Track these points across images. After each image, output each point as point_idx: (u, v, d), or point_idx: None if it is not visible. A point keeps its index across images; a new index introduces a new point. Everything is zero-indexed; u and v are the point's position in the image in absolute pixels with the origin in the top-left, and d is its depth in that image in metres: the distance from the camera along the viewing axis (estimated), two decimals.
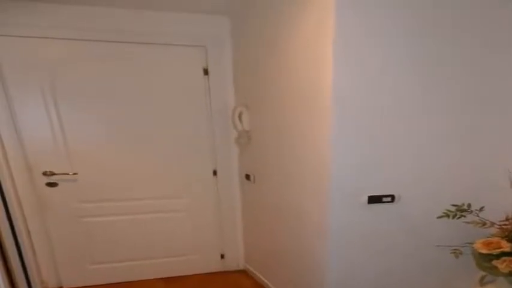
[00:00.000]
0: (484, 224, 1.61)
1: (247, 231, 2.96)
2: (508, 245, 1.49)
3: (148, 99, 2.50)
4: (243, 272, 3.06)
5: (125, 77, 2.43)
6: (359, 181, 1.74)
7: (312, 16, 1.65)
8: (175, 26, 2.41)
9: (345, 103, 1.60)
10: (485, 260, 1.54)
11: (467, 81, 1.65)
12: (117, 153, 2.55)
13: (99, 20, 2.28)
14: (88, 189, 2.56)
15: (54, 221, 2.58)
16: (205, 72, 2.55)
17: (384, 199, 1.77)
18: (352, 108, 1.61)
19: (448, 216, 1.64)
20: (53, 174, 2.44)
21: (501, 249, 1.49)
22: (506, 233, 1.57)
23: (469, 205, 1.63)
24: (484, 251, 1.52)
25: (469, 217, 1.63)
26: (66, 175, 2.47)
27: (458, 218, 1.64)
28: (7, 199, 2.25)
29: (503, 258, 1.48)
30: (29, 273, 2.46)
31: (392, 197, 1.76)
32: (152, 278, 2.91)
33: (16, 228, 2.33)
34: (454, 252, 1.70)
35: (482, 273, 1.63)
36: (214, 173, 2.80)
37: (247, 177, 2.65)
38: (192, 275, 2.98)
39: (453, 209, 1.65)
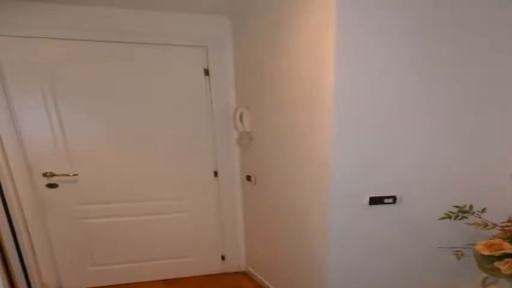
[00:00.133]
0: (486, 225, 1.62)
1: (248, 232, 2.97)
2: (510, 246, 1.51)
3: (149, 100, 2.52)
4: (244, 274, 3.07)
5: (125, 78, 2.44)
6: (360, 182, 1.75)
7: (312, 16, 1.66)
8: (176, 26, 2.42)
9: (346, 103, 1.61)
10: (487, 262, 1.55)
11: (468, 81, 1.67)
12: (117, 154, 2.57)
13: (99, 20, 2.30)
14: (88, 191, 2.57)
15: (55, 222, 2.59)
16: (206, 72, 2.56)
17: (386, 200, 1.78)
18: (353, 108, 1.62)
19: (450, 217, 1.66)
20: (53, 175, 2.46)
21: (503, 251, 1.50)
22: (508, 235, 1.59)
23: (471, 206, 1.65)
24: (486, 253, 1.53)
25: (471, 218, 1.65)
26: (67, 176, 2.48)
27: (460, 219, 1.65)
28: (7, 200, 2.27)
29: (505, 259, 1.49)
30: (29, 274, 2.47)
31: (394, 198, 1.77)
32: (153, 279, 2.93)
33: (16, 230, 2.35)
34: (456, 254, 1.70)
35: (484, 274, 1.63)
36: (215, 174, 2.81)
37: (248, 178, 2.67)
38: (193, 276, 3.00)
39: (455, 210, 1.66)
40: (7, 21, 2.18)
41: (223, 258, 3.05)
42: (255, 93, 2.38)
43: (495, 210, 1.65)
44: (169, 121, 2.60)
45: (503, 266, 1.48)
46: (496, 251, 1.51)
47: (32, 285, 2.50)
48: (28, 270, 2.47)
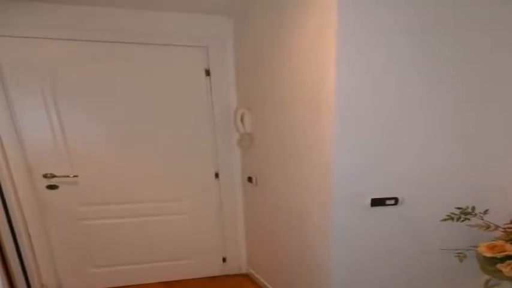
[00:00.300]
0: (488, 227, 1.63)
1: (249, 234, 2.98)
2: None
3: (149, 100, 2.53)
4: (245, 276, 3.08)
5: (125, 78, 2.46)
6: (362, 182, 1.77)
7: (314, 18, 1.68)
8: (176, 26, 2.44)
9: (348, 102, 1.63)
10: (490, 264, 1.56)
11: (470, 79, 1.68)
12: (117, 155, 2.58)
13: (100, 20, 2.31)
14: (89, 192, 2.59)
15: (55, 223, 2.61)
16: (207, 73, 2.58)
17: (388, 202, 1.79)
18: (355, 107, 1.64)
19: (452, 219, 1.66)
20: (53, 176, 2.48)
21: (506, 253, 1.51)
22: (511, 236, 1.60)
23: (473, 208, 1.65)
24: (489, 255, 1.54)
25: (473, 220, 1.66)
26: (67, 177, 2.50)
27: (463, 221, 1.66)
28: (7, 201, 2.30)
29: (508, 261, 1.50)
30: (29, 276, 2.50)
31: (396, 199, 1.79)
32: (153, 281, 2.94)
33: (16, 231, 2.38)
34: (458, 256, 1.71)
35: (487, 276, 1.64)
36: (216, 175, 2.83)
37: (250, 179, 2.69)
38: (194, 278, 3.01)
39: (457, 212, 1.66)
40: (7, 21, 2.19)
41: (224, 260, 3.07)
42: (256, 94, 2.39)
43: (497, 211, 1.67)
44: (169, 122, 2.61)
45: (505, 268, 1.49)
46: (498, 252, 1.52)
47: (32, 287, 2.52)
48: (28, 272, 2.49)
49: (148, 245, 2.85)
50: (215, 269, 3.07)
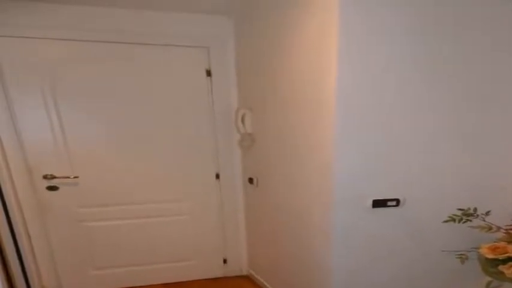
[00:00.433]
0: (490, 228, 1.65)
1: (250, 235, 3.00)
2: None
3: (150, 100, 2.54)
4: (246, 278, 3.10)
5: (125, 79, 2.47)
6: (363, 183, 1.78)
7: (315, 18, 1.70)
8: (177, 26, 2.45)
9: (348, 102, 1.64)
10: (492, 265, 1.57)
11: (470, 79, 1.69)
12: (118, 155, 2.59)
13: (100, 20, 2.32)
14: (89, 193, 2.60)
15: (55, 225, 2.62)
16: (208, 73, 2.59)
17: (389, 203, 1.80)
18: (356, 106, 1.66)
19: (453, 220, 1.68)
20: (53, 177, 2.49)
21: (507, 254, 1.52)
22: None
23: (475, 209, 1.67)
24: (490, 256, 1.55)
25: (475, 221, 1.67)
26: (67, 178, 2.52)
27: (464, 222, 1.67)
28: (7, 202, 2.31)
29: (510, 263, 1.51)
30: (29, 278, 2.52)
31: (397, 201, 1.80)
32: (154, 283, 2.96)
33: (16, 232, 2.39)
34: (460, 257, 1.73)
35: (489, 278, 1.65)
36: (217, 176, 2.84)
37: (251, 180, 2.70)
38: (194, 280, 3.03)
39: (459, 213, 1.68)
40: (7, 21, 2.20)
41: (225, 261, 3.08)
42: (257, 94, 2.41)
43: (499, 212, 1.69)
44: (170, 122, 2.62)
45: (507, 270, 1.51)
46: (500, 254, 1.54)
47: None
48: (28, 273, 2.51)
49: (149, 246, 2.86)
50: (216, 270, 3.09)
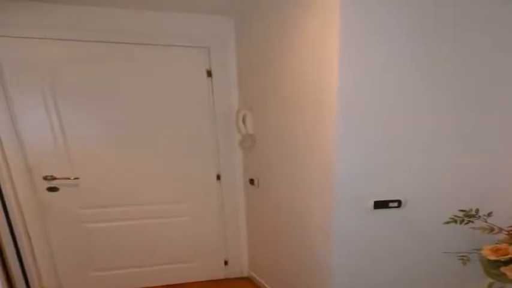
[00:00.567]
0: (492, 229, 1.65)
1: (251, 237, 3.01)
2: None
3: (150, 101, 2.56)
4: (247, 279, 3.11)
5: (126, 79, 2.48)
6: (364, 184, 1.80)
7: (316, 18, 1.71)
8: (177, 26, 2.46)
9: (350, 102, 1.66)
10: (493, 267, 1.59)
11: (470, 79, 1.70)
12: (118, 156, 2.61)
13: (100, 20, 2.34)
14: (89, 194, 2.62)
15: (55, 226, 2.64)
16: (209, 74, 2.60)
17: (391, 204, 1.82)
18: (356, 106, 1.67)
19: (455, 221, 1.68)
20: (53, 178, 2.51)
21: (509, 256, 1.53)
22: None
23: (477, 210, 1.68)
24: (492, 258, 1.56)
25: (477, 223, 1.68)
26: (67, 180, 2.53)
27: (466, 223, 1.68)
28: (7, 203, 2.33)
29: None
30: (29, 279, 2.54)
31: (399, 202, 1.81)
32: (154, 285, 2.97)
33: (16, 233, 2.41)
34: (462, 259, 1.74)
35: (490, 280, 1.66)
36: (218, 177, 2.85)
37: (251, 181, 2.71)
38: (195, 282, 3.04)
39: (460, 214, 1.69)
40: (7, 21, 2.22)
41: (226, 263, 3.10)
42: (258, 95, 2.42)
43: (500, 213, 1.70)
44: (170, 123, 2.63)
45: (509, 271, 1.52)
46: (502, 255, 1.55)
47: None
48: (28, 275, 2.53)
49: (149, 247, 2.88)
50: (217, 272, 3.10)
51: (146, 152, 2.66)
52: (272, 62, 2.18)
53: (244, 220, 3.02)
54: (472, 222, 1.69)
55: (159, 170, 2.72)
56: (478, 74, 1.71)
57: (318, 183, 1.94)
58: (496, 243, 1.64)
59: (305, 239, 2.17)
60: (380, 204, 1.82)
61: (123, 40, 2.42)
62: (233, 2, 2.36)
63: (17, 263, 2.45)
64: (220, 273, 3.11)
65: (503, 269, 1.54)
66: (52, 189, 2.54)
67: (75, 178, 2.55)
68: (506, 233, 1.65)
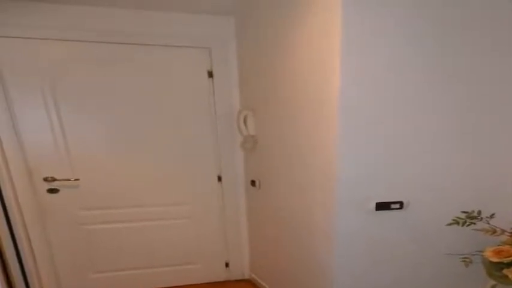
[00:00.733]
0: (495, 231, 1.66)
1: (252, 239, 3.02)
2: None
3: (151, 102, 2.57)
4: (248, 282, 3.13)
5: (126, 79, 2.50)
6: (366, 185, 1.80)
7: (317, 17, 1.73)
8: (178, 26, 2.48)
9: (351, 103, 1.66)
10: (496, 269, 1.60)
11: (471, 79, 1.71)
12: (119, 158, 2.62)
13: (100, 20, 2.35)
14: (90, 196, 2.63)
15: (55, 228, 2.65)
16: (210, 74, 2.61)
17: (393, 206, 1.82)
18: (358, 108, 1.68)
19: (457, 223, 1.69)
20: (54, 180, 2.52)
21: None
22: None
23: (479, 212, 1.69)
24: (495, 260, 1.57)
25: (479, 224, 1.69)
26: (68, 181, 2.55)
27: (468, 225, 1.69)
28: (7, 205, 2.35)
29: None
30: (29, 281, 2.55)
31: (401, 203, 1.82)
32: (155, 287, 2.98)
33: (16, 236, 2.42)
34: (464, 261, 1.75)
35: (493, 282, 1.66)
36: (219, 178, 2.87)
37: (253, 183, 2.72)
38: (196, 284, 3.06)
39: (463, 216, 1.70)
40: (7, 21, 2.23)
41: (227, 265, 3.11)
42: (259, 95, 2.43)
43: (503, 215, 1.71)
44: (171, 124, 2.65)
45: None
46: (505, 257, 1.55)
47: None
48: (28, 277, 2.54)
49: (150, 249, 2.89)
50: (218, 274, 3.11)
51: (147, 153, 2.67)
52: (273, 62, 2.19)
53: (246, 222, 3.03)
54: (475, 224, 1.69)
55: (160, 171, 2.74)
56: (478, 74, 1.72)
57: (319, 184, 1.95)
58: (499, 245, 1.65)
59: (306, 240, 2.18)
60: (382, 206, 1.83)
61: (123, 40, 2.43)
62: (234, 2, 2.38)
63: (17, 265, 2.47)
64: (221, 275, 3.12)
65: (505, 271, 1.55)
66: (52, 190, 2.56)
67: (76, 179, 2.57)
68: (508, 234, 1.66)
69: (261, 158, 2.58)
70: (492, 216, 1.69)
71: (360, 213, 1.85)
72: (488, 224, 1.69)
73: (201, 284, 3.08)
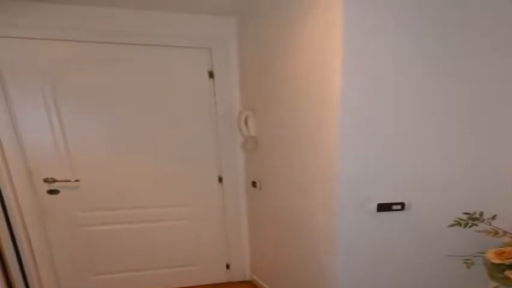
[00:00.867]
0: (497, 233, 1.67)
1: (253, 240, 3.03)
2: None
3: (151, 102, 2.58)
4: (249, 283, 3.14)
5: (126, 80, 2.51)
6: (367, 186, 1.82)
7: (318, 17, 1.74)
8: (178, 27, 2.49)
9: (352, 103, 1.68)
10: (498, 271, 1.60)
11: (471, 79, 1.72)
12: (119, 159, 2.63)
13: (100, 20, 2.36)
14: (90, 197, 2.64)
15: (55, 229, 2.66)
16: (211, 75, 2.62)
17: (394, 207, 1.83)
18: (359, 108, 1.69)
19: (459, 224, 1.70)
20: (54, 181, 2.53)
21: None
22: None
23: (481, 213, 1.69)
24: (497, 261, 1.58)
25: (481, 226, 1.69)
26: (68, 182, 2.56)
27: (470, 226, 1.69)
28: (7, 206, 2.36)
29: None
30: (29, 283, 2.57)
31: (403, 204, 1.83)
32: None
33: (16, 237, 2.44)
34: (466, 262, 1.75)
35: (494, 284, 1.66)
36: (220, 180, 2.88)
37: (254, 184, 2.73)
38: (197, 286, 3.07)
39: (465, 217, 1.70)
40: (7, 21, 2.24)
41: (228, 266, 3.12)
42: (260, 96, 2.44)
43: (505, 216, 1.72)
44: (172, 125, 2.66)
45: None
46: (506, 259, 1.56)
47: None
48: (28, 278, 2.55)
49: (150, 251, 2.90)
50: (219, 275, 3.12)
51: (147, 154, 2.68)
52: (274, 62, 2.20)
53: (246, 223, 3.04)
54: (476, 225, 1.70)
55: (161, 172, 2.75)
56: (478, 74, 1.73)
57: (320, 184, 1.96)
58: (501, 247, 1.66)
59: (307, 241, 2.19)
60: (383, 207, 1.84)
61: (123, 41, 2.44)
62: (234, 3, 2.38)
63: (17, 266, 2.48)
64: (222, 276, 3.13)
65: (507, 273, 1.55)
66: (52, 191, 2.57)
67: (76, 180, 2.58)
68: (510, 236, 1.67)
69: (262, 159, 2.59)
70: (494, 217, 1.70)
71: (361, 214, 1.86)
72: (490, 225, 1.69)
73: (202, 285, 3.08)
